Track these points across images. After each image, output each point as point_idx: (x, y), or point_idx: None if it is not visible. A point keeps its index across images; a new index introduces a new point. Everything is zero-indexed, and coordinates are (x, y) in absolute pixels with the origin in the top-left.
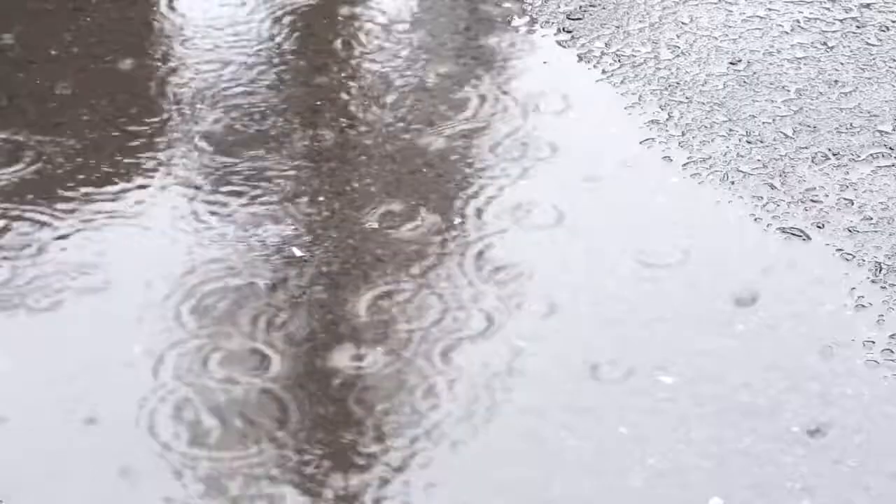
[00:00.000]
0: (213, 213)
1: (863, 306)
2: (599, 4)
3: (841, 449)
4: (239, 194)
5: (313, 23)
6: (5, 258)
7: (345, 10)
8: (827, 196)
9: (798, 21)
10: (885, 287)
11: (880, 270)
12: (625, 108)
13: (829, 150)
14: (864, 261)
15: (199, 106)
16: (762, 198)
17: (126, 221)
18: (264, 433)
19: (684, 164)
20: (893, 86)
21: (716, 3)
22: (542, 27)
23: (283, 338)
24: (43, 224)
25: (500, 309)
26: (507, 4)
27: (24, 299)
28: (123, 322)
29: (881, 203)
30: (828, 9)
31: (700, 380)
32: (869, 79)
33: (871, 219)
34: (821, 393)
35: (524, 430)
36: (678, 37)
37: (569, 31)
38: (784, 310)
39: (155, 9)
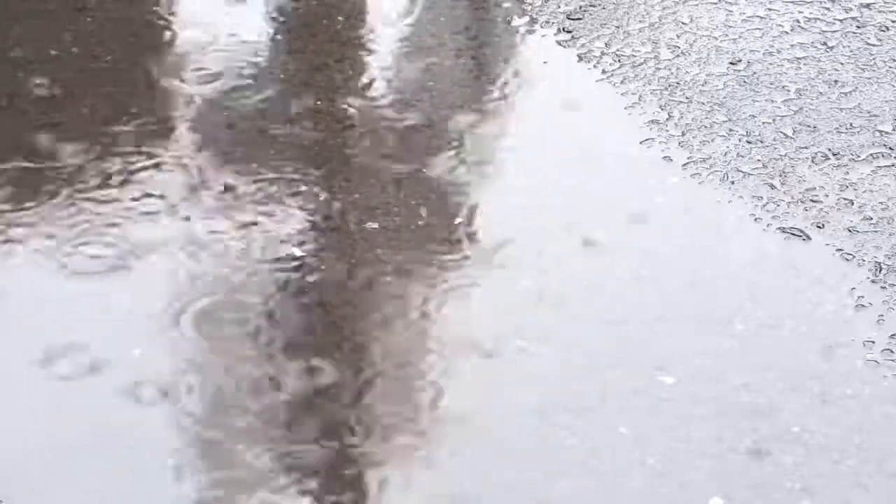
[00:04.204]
0: (212, 213)
1: (863, 306)
2: (599, 4)
3: (841, 449)
4: (239, 194)
5: (314, 23)
6: None
7: (345, 10)
8: (827, 196)
9: (798, 21)
10: (885, 287)
11: (880, 270)
12: (625, 108)
13: (829, 150)
14: (864, 261)
15: (199, 106)
16: (762, 198)
17: (127, 221)
18: None
19: (684, 164)
20: (893, 86)
21: (716, 3)
22: (542, 27)
23: None
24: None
25: (501, 309)
26: (506, 4)
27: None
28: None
29: (881, 203)
30: (828, 9)
31: (700, 380)
32: (869, 79)
33: (871, 219)
34: (821, 393)
35: (524, 430)
36: (678, 37)
37: (569, 31)
38: (784, 310)
39: (155, 9)
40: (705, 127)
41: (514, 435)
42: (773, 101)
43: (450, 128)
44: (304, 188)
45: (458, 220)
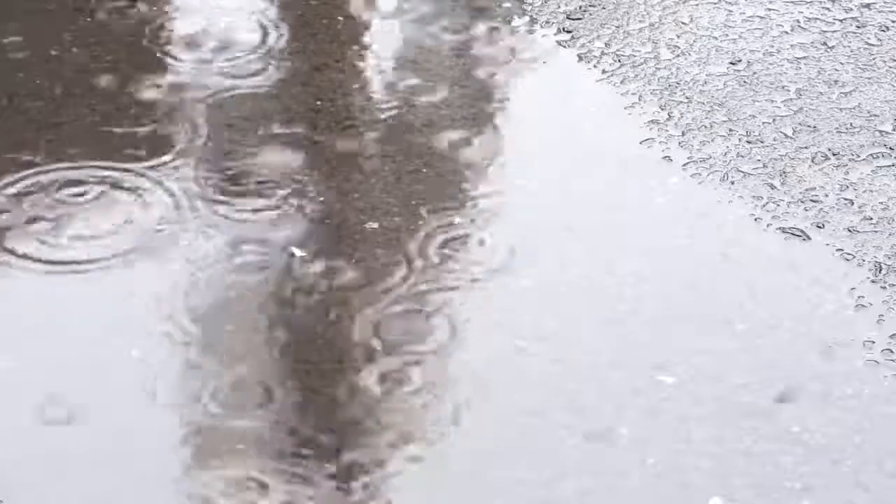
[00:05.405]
0: (212, 213)
1: (863, 306)
2: (599, 4)
3: (841, 449)
4: (239, 194)
5: (313, 23)
6: None
7: (345, 10)
8: (827, 196)
9: (798, 21)
10: (885, 287)
11: (880, 270)
12: (625, 108)
13: (829, 150)
14: (864, 261)
15: (198, 105)
16: (762, 198)
17: (126, 221)
18: None
19: (684, 164)
20: (893, 86)
21: (716, 3)
22: (542, 27)
23: None
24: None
25: (501, 312)
26: (507, 4)
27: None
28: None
29: (881, 203)
30: (828, 9)
31: (700, 380)
32: (869, 79)
33: (871, 219)
34: (821, 393)
35: (524, 430)
36: (678, 37)
37: (569, 31)
38: (784, 310)
39: (155, 8)
40: (705, 127)
41: (515, 435)
42: (773, 101)
43: (450, 128)
44: (304, 188)
45: (457, 220)
